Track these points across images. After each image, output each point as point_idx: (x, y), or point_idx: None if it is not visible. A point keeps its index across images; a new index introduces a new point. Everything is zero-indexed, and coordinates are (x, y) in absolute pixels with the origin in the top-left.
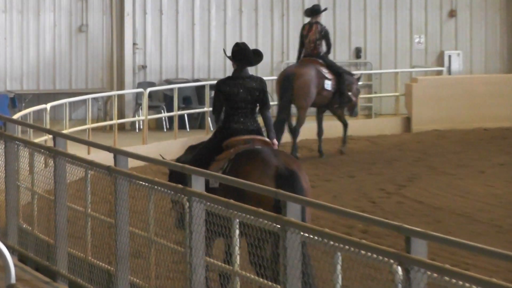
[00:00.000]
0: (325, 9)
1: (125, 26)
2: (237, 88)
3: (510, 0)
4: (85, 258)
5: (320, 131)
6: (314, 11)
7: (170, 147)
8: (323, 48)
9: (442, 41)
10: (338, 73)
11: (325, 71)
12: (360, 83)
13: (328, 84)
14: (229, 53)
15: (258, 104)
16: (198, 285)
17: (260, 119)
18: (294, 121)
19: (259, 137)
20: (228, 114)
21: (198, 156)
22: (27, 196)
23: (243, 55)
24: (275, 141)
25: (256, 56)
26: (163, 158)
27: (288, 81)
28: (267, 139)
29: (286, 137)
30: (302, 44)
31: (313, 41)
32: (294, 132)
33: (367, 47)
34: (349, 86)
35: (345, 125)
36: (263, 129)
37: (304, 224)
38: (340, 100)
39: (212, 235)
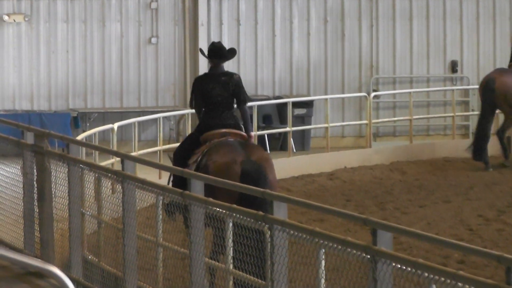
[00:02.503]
0: None
1: (199, 37)
2: (212, 84)
3: None
4: None
5: None
6: None
7: None
8: None
9: None
10: None
11: None
12: None
13: None
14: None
15: (235, 99)
16: None
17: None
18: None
19: (235, 131)
20: (206, 109)
21: (179, 150)
22: (93, 224)
23: (218, 53)
24: (252, 133)
25: (230, 52)
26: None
27: (488, 86)
28: (243, 133)
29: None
30: None
31: None
32: (500, 137)
33: (463, 60)
34: None
35: None
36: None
37: (396, 254)
38: None
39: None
